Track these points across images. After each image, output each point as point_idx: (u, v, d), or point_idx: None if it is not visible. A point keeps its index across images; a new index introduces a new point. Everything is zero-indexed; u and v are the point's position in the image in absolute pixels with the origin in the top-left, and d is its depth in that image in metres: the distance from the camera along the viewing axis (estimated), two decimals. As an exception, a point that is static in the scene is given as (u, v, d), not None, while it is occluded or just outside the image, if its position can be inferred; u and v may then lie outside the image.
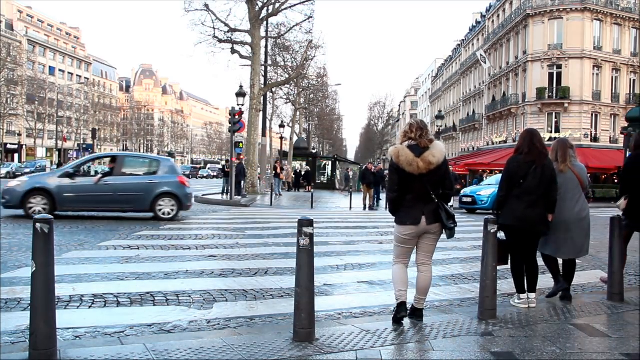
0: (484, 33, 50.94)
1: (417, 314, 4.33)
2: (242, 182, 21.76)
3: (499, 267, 4.54)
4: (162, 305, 4.75)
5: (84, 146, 61.27)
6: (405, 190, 4.17)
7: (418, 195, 4.16)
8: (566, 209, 4.98)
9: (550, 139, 36.67)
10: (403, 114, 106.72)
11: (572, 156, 5.11)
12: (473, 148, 50.16)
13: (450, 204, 4.37)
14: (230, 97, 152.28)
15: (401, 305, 4.19)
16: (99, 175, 11.74)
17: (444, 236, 4.29)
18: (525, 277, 4.91)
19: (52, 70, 71.39)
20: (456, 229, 4.27)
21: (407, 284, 4.27)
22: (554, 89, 37.47)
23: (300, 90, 38.84)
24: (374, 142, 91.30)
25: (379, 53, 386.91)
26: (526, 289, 4.90)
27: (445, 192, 4.22)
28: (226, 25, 24.30)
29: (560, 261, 5.30)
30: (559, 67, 37.49)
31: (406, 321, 4.28)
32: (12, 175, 38.70)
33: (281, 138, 37.12)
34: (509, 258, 4.92)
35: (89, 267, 6.21)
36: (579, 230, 5.08)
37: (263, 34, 25.88)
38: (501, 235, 4.78)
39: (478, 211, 18.19)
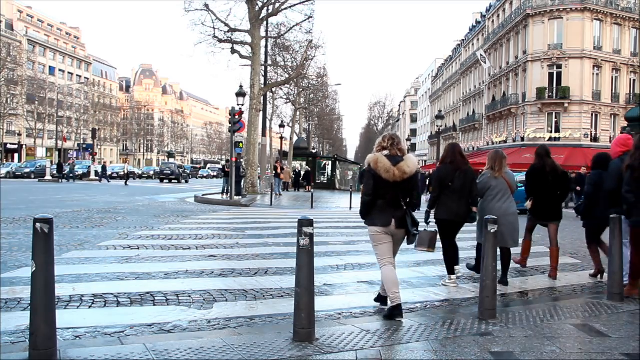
0: (484, 33, 50.96)
1: (399, 312, 4.52)
2: (242, 181, 21.74)
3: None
4: (162, 305, 4.75)
5: (84, 146, 61.31)
6: (378, 196, 4.50)
7: (389, 201, 4.51)
8: (497, 207, 6.07)
9: (550, 139, 36.85)
10: (403, 114, 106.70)
11: (504, 165, 6.33)
12: (473, 148, 50.18)
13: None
14: (230, 97, 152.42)
15: (396, 308, 4.42)
16: None
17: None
18: (454, 259, 6.02)
19: (52, 70, 71.39)
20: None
21: (398, 284, 4.56)
22: (554, 88, 37.49)
23: (300, 90, 38.83)
24: (374, 142, 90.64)
25: (379, 53, 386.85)
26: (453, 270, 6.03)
27: (412, 201, 4.65)
28: (226, 25, 24.31)
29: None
30: (559, 67, 37.51)
31: (407, 321, 4.29)
32: (12, 175, 38.71)
33: (281, 138, 37.13)
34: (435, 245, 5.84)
35: (89, 267, 6.21)
36: (507, 224, 6.06)
37: (263, 34, 25.88)
38: (431, 227, 5.82)
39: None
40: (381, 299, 4.86)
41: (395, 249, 4.70)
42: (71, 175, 36.42)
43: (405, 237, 4.66)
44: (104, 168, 40.87)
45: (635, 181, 5.07)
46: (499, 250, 5.71)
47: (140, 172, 56.60)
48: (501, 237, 5.84)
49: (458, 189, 5.85)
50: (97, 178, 39.54)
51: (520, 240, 6.59)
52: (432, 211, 6.01)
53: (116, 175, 45.39)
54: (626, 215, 5.34)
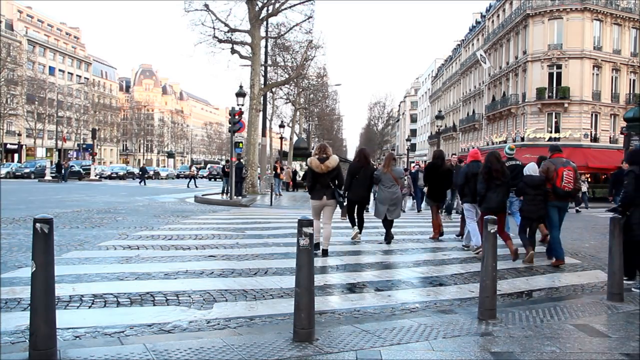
0: (484, 33, 50.95)
1: (325, 253, 7.53)
2: (242, 182, 21.73)
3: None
4: (162, 305, 4.75)
5: (84, 146, 61.30)
6: (315, 182, 7.61)
7: (322, 184, 7.59)
8: (387, 192, 9.07)
9: (550, 139, 36.83)
10: (403, 114, 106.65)
11: (392, 164, 9.36)
12: (473, 148, 50.12)
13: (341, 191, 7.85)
14: (230, 97, 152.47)
15: (317, 245, 7.47)
16: None
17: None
18: (359, 223, 9.24)
19: (52, 70, 71.35)
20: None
21: (319, 231, 7.61)
22: (554, 89, 37.47)
23: (300, 90, 38.83)
24: (373, 142, 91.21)
25: (379, 53, 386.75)
26: (359, 229, 9.28)
27: (339, 183, 7.69)
28: (226, 25, 24.30)
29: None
30: (559, 67, 37.49)
31: (407, 322, 4.29)
32: (12, 175, 38.69)
33: (281, 138, 37.11)
34: (349, 216, 9.34)
35: (89, 267, 6.21)
36: (394, 204, 9.14)
37: (263, 34, 25.86)
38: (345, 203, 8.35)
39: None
40: (316, 245, 7.45)
41: (329, 214, 7.79)
42: (64, 174, 36.16)
43: (338, 205, 7.76)
44: (143, 170, 39.16)
45: (483, 181, 7.60)
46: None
47: (178, 172, 62.47)
48: (390, 212, 9.09)
49: (361, 180, 8.88)
50: (109, 178, 38.75)
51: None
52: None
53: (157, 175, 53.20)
54: (478, 204, 7.88)
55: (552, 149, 8.09)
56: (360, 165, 8.93)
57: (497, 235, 7.15)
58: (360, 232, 9.20)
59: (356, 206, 9.19)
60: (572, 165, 7.67)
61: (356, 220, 9.22)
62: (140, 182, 36.43)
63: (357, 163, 9.03)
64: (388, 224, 9.16)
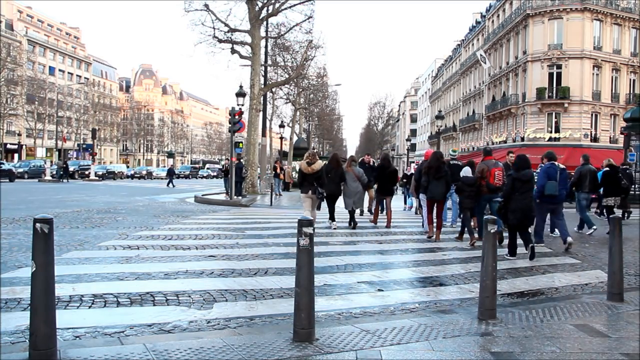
0: (484, 33, 50.96)
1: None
2: (242, 182, 21.73)
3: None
4: (162, 305, 4.75)
5: (84, 146, 61.29)
6: (304, 180, 10.30)
7: (309, 182, 10.21)
8: (350, 187, 11.41)
9: (550, 139, 36.86)
10: (403, 114, 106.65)
11: (353, 165, 11.92)
12: (473, 148, 50.15)
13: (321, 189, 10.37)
14: (230, 97, 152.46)
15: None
16: None
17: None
18: (332, 213, 11.38)
19: (52, 70, 71.33)
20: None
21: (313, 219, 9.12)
22: (554, 89, 37.49)
23: (300, 90, 38.81)
24: (373, 142, 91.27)
25: (379, 53, 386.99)
26: (335, 219, 11.33)
27: (320, 182, 10.21)
28: (226, 25, 24.29)
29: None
30: (559, 67, 37.51)
31: (407, 322, 4.30)
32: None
33: (281, 138, 37.11)
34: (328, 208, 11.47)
35: (89, 267, 6.21)
36: (357, 196, 11.55)
37: (263, 34, 25.85)
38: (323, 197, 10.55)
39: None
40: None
41: (314, 205, 10.39)
42: (62, 174, 36.07)
43: (319, 198, 10.30)
44: (170, 171, 36.39)
45: (425, 175, 9.82)
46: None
47: (178, 172, 61.09)
48: (354, 203, 11.47)
49: (333, 177, 11.01)
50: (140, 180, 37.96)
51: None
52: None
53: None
54: (424, 193, 10.01)
55: (485, 153, 9.69)
56: (332, 167, 11.22)
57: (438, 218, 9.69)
58: (333, 220, 11.24)
59: (331, 199, 11.39)
60: (500, 166, 9.39)
61: (332, 211, 11.51)
62: (168, 184, 34.04)
63: (330, 165, 11.30)
64: (352, 213, 11.60)
